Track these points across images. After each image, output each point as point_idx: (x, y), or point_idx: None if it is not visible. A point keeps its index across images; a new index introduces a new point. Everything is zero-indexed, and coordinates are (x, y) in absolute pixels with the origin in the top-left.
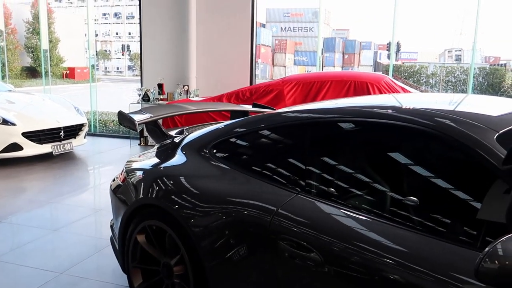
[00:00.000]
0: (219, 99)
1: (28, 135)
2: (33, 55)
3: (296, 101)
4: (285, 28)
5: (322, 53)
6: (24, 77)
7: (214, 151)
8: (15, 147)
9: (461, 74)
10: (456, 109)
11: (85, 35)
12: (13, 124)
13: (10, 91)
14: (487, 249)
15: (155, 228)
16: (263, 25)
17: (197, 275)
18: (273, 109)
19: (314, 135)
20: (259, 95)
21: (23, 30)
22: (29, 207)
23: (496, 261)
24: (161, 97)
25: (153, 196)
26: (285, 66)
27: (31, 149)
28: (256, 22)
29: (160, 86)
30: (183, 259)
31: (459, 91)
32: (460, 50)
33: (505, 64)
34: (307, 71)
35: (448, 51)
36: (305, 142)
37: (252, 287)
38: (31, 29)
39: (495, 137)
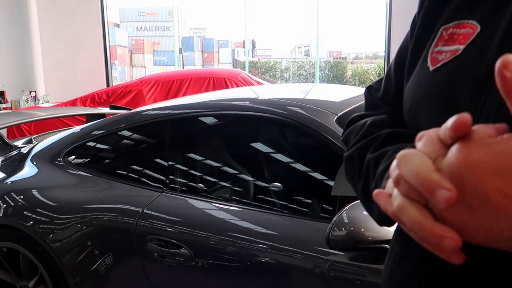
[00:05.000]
0: (72, 103)
1: None
2: None
3: (156, 100)
4: (141, 27)
5: (181, 52)
6: None
7: (70, 158)
8: None
9: (310, 68)
10: (304, 98)
11: None
12: None
13: None
14: (334, 218)
15: (6, 250)
16: (117, 25)
17: None
18: (131, 110)
19: (176, 131)
20: (117, 97)
21: None
22: None
23: (343, 228)
24: (4, 105)
25: (1, 215)
26: (144, 67)
27: None
28: (108, 21)
29: (1, 93)
30: (43, 279)
31: (310, 83)
32: (308, 46)
33: (345, 57)
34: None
35: (298, 47)
36: (168, 139)
37: None
38: None
39: (335, 119)
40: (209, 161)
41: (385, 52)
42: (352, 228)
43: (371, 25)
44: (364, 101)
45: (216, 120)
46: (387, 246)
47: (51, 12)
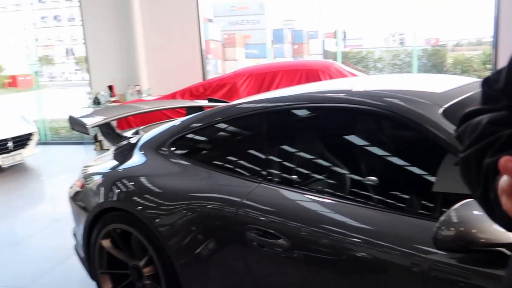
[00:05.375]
0: (172, 97)
1: None
2: None
3: (250, 93)
4: (233, 22)
5: (272, 45)
6: None
7: (173, 148)
8: None
9: (406, 57)
10: (403, 89)
11: (25, 40)
12: None
13: None
14: (442, 217)
15: (120, 231)
16: (211, 20)
17: (168, 274)
18: (227, 102)
19: (270, 124)
20: (212, 90)
21: None
22: None
23: (451, 228)
24: (113, 99)
25: (114, 199)
26: (236, 60)
27: None
28: (203, 17)
29: (110, 88)
30: (152, 259)
31: (407, 73)
32: (403, 34)
33: (445, 45)
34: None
35: (392, 35)
36: (262, 131)
37: (226, 280)
38: None
39: (440, 112)
40: (304, 154)
41: (493, 37)
42: (462, 228)
43: (473, 8)
44: (474, 92)
45: (311, 112)
46: (505, 250)
47: (153, 11)
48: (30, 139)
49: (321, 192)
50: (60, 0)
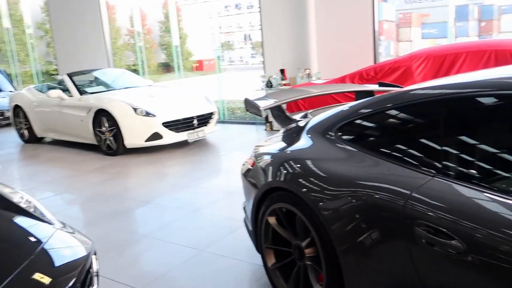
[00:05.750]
0: (341, 80)
1: (166, 125)
2: (166, 51)
3: (426, 78)
4: (410, 0)
5: (454, 23)
6: (160, 72)
7: (340, 133)
8: (156, 136)
9: None
10: None
11: (210, 28)
12: (154, 116)
13: (150, 85)
14: None
15: (285, 210)
16: (385, 0)
17: (329, 257)
18: (400, 87)
19: (450, 113)
20: (384, 74)
21: (156, 29)
22: (172, 190)
23: None
24: (284, 82)
25: (281, 179)
26: (410, 41)
27: (169, 137)
28: None
29: (282, 71)
30: (314, 241)
31: None
32: None
33: None
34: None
35: None
36: (439, 120)
37: (386, 272)
38: (163, 28)
39: None
40: (489, 147)
41: None
42: None
43: None
44: None
45: (500, 101)
46: None
47: None
48: (212, 118)
49: (506, 192)
50: None
